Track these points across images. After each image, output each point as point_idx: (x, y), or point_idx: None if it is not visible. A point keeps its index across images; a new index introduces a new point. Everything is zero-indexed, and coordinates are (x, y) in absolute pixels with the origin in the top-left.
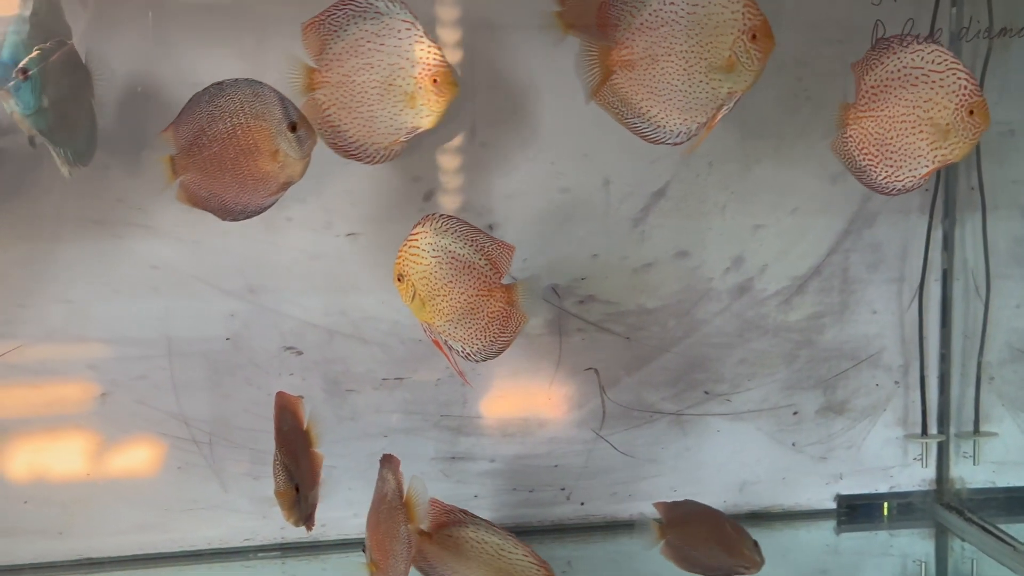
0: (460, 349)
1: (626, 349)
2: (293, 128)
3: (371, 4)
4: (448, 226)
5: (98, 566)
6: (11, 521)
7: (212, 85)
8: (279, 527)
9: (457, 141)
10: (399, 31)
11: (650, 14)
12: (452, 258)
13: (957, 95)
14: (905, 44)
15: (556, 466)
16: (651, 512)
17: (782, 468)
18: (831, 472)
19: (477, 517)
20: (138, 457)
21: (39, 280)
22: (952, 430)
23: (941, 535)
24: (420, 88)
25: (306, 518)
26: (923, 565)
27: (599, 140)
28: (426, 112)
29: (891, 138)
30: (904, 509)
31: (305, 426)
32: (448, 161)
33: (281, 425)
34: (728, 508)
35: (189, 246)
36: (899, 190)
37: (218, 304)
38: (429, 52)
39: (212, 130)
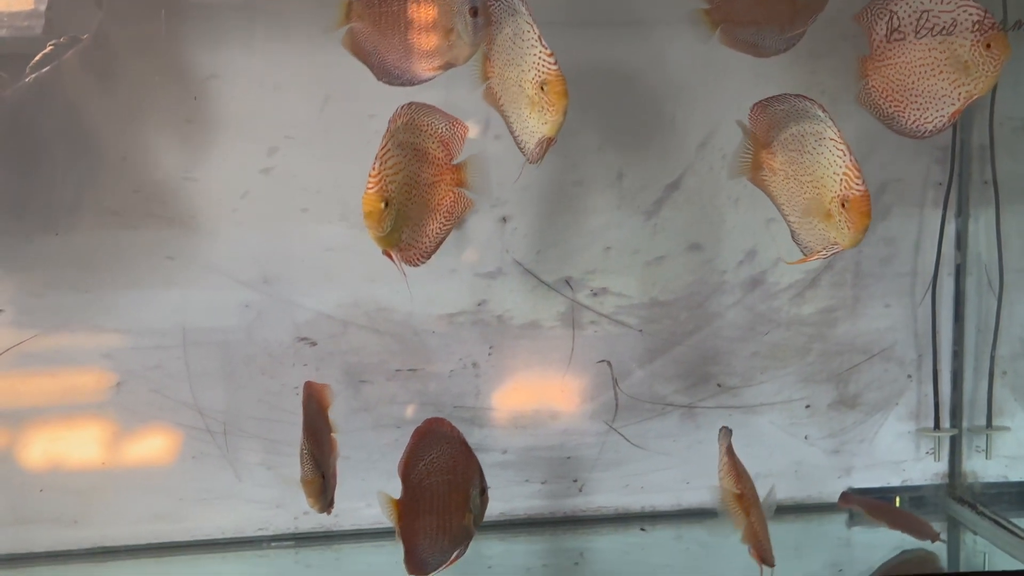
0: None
1: (639, 342)
2: (474, 13)
3: (509, 2)
4: (405, 118)
5: (112, 555)
6: (27, 509)
7: None
8: (293, 517)
9: (472, 134)
10: (523, 33)
11: (790, 135)
12: (415, 150)
13: (972, 32)
14: None
15: (568, 458)
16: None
17: (794, 461)
18: (843, 465)
19: None
20: (153, 446)
21: (55, 270)
22: (965, 424)
23: (953, 529)
24: (536, 94)
25: (328, 504)
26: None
27: (613, 134)
28: (543, 120)
29: (913, 82)
30: (916, 503)
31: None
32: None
33: (308, 414)
34: None
35: (205, 237)
36: (930, 131)
37: (233, 295)
38: (539, 58)
39: None
